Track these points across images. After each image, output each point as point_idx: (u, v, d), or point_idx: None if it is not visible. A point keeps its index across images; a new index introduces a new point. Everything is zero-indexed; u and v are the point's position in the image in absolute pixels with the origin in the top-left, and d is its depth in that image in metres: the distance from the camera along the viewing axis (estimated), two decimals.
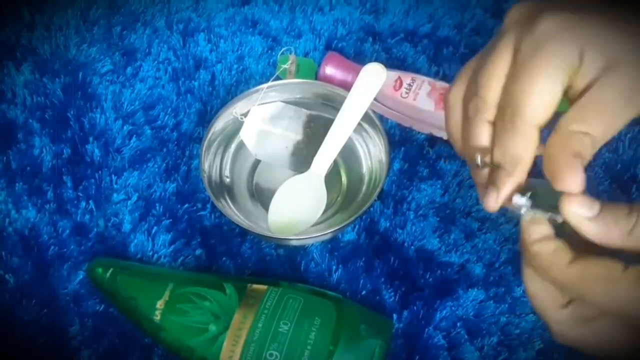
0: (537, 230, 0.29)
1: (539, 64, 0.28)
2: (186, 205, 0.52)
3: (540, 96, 0.29)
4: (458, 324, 0.46)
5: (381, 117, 0.57)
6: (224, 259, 0.50)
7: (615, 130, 0.28)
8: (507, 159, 0.30)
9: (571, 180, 0.28)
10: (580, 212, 0.28)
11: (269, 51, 0.63)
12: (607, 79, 0.28)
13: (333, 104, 0.52)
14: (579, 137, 0.28)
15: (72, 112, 0.57)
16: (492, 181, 0.31)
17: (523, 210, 0.30)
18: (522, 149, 0.30)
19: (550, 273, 0.28)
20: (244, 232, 0.51)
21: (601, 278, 0.26)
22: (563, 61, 0.28)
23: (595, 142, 0.28)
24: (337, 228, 0.45)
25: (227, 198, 0.51)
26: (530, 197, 0.30)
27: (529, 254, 0.29)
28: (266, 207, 0.50)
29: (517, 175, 0.30)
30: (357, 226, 0.51)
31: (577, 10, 0.28)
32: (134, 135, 0.56)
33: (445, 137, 0.55)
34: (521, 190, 0.31)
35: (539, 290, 0.29)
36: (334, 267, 0.49)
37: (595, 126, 0.28)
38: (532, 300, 0.30)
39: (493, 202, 0.31)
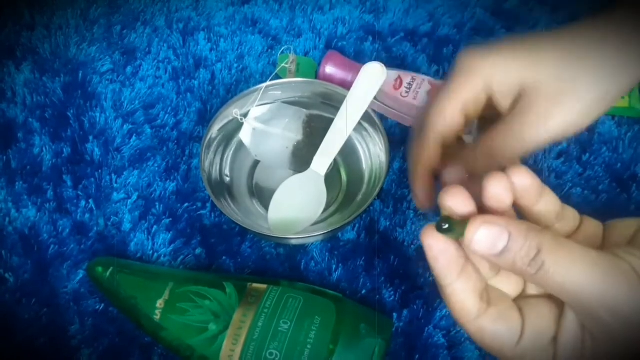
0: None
1: (444, 90, 0.36)
2: (186, 205, 0.52)
3: (441, 114, 0.35)
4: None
5: (381, 116, 0.57)
6: (224, 258, 0.50)
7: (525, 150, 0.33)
8: (412, 161, 0.38)
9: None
10: (485, 243, 0.26)
11: (269, 50, 0.63)
12: (519, 108, 0.33)
13: (333, 103, 0.52)
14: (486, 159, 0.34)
15: (72, 111, 0.57)
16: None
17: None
18: (421, 149, 0.36)
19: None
20: (244, 231, 0.51)
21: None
22: (461, 89, 0.35)
23: (505, 161, 0.33)
24: (337, 227, 0.45)
25: (227, 197, 0.51)
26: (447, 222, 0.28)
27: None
28: (266, 206, 0.50)
29: (418, 172, 0.37)
30: (357, 225, 0.51)
31: (496, 48, 0.34)
32: (134, 135, 0.56)
33: None
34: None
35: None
36: (334, 266, 0.49)
37: (504, 152, 0.33)
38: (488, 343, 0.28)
39: (415, 199, 0.39)
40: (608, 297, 0.24)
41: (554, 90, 0.31)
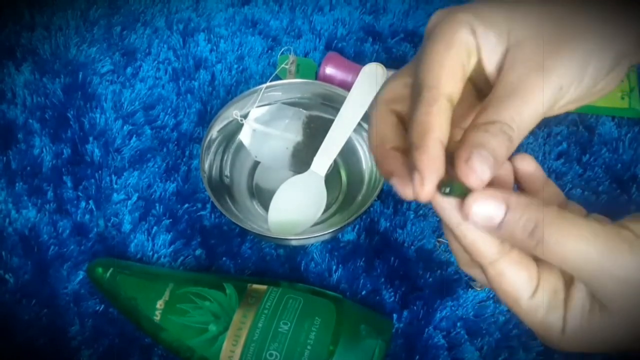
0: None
1: (435, 41, 0.28)
2: (186, 205, 0.52)
3: (442, 66, 0.27)
4: (458, 324, 0.46)
5: None
6: (224, 259, 0.50)
7: (533, 113, 0.26)
8: (417, 132, 0.26)
9: (470, 173, 0.25)
10: (482, 215, 0.25)
11: (269, 51, 0.63)
12: (510, 64, 0.27)
13: (333, 104, 0.52)
14: (486, 127, 0.26)
15: (72, 112, 0.57)
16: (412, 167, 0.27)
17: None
18: (428, 115, 0.26)
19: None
20: (244, 232, 0.51)
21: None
22: (455, 36, 0.27)
23: (509, 130, 0.26)
24: (337, 228, 0.45)
25: (227, 198, 0.51)
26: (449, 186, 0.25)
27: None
28: (266, 207, 0.50)
29: (429, 146, 0.25)
30: (357, 226, 0.51)
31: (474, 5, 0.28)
32: (134, 135, 0.56)
33: None
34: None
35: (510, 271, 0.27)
36: (334, 267, 0.49)
37: (505, 113, 0.26)
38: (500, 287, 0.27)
39: (419, 186, 0.26)
40: (611, 265, 0.24)
41: (538, 55, 0.27)
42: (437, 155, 0.25)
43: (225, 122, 0.52)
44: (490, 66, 0.28)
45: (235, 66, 0.61)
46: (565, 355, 0.45)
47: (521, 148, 0.54)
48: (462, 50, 0.27)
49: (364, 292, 0.48)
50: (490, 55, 0.28)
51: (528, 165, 0.28)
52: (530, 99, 0.26)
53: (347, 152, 0.52)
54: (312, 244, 0.50)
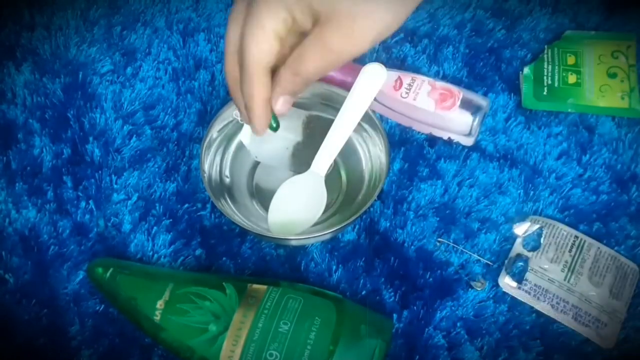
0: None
1: (255, 15, 0.34)
2: (186, 205, 0.52)
3: (259, 42, 0.34)
4: (458, 324, 0.46)
5: (381, 117, 0.57)
6: (224, 258, 0.50)
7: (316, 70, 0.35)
8: (246, 98, 0.37)
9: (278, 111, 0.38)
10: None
11: None
12: (314, 32, 0.34)
13: (333, 104, 0.52)
14: (285, 77, 0.36)
15: (72, 112, 0.57)
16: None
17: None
18: (251, 86, 0.36)
19: None
20: (244, 232, 0.51)
21: None
22: (274, 16, 0.34)
23: (299, 75, 0.36)
24: (337, 228, 0.45)
25: (227, 198, 0.51)
26: None
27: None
28: (266, 207, 0.50)
29: (255, 108, 0.38)
30: (357, 226, 0.51)
31: None
32: (134, 135, 0.56)
33: (445, 137, 0.55)
34: None
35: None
36: (334, 267, 0.49)
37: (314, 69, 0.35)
38: None
39: (255, 129, 0.40)
40: None
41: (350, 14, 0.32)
42: (261, 113, 0.38)
43: (225, 122, 0.52)
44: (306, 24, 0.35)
45: None
46: (565, 356, 0.46)
47: (521, 148, 0.54)
48: (277, 25, 0.34)
49: (364, 292, 0.48)
50: (305, 21, 0.34)
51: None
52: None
53: (347, 152, 0.52)
54: (312, 244, 0.50)
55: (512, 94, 0.58)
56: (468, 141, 0.54)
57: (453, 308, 0.47)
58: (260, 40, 0.34)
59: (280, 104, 0.38)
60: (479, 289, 0.48)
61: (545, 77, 0.57)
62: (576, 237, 0.49)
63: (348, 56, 0.34)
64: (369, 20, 0.32)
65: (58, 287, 0.48)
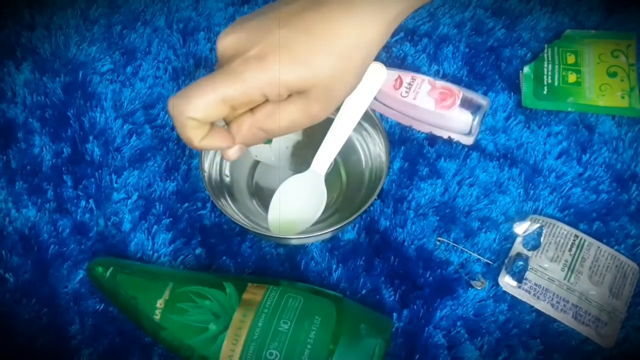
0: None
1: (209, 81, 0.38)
2: (186, 205, 0.52)
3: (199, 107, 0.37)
4: (458, 323, 0.46)
5: (381, 116, 0.57)
6: (224, 258, 0.50)
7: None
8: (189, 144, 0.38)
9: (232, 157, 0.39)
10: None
11: None
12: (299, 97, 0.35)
13: None
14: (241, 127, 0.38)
15: (72, 111, 0.57)
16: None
17: None
18: (191, 141, 0.36)
19: None
20: (243, 231, 0.51)
21: None
22: (229, 87, 0.37)
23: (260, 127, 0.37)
24: (337, 227, 0.45)
25: (227, 197, 0.51)
26: None
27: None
28: (266, 207, 0.50)
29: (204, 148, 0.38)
30: (357, 225, 0.51)
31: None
32: (134, 134, 0.56)
33: (445, 136, 0.55)
34: None
35: None
36: (334, 266, 0.49)
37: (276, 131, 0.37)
38: None
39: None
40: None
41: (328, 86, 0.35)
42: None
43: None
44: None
45: None
46: (565, 356, 0.46)
47: (521, 147, 0.54)
48: (238, 98, 0.36)
49: (364, 291, 0.48)
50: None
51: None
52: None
53: (347, 151, 0.52)
54: (312, 243, 0.50)
55: (512, 93, 0.58)
56: (468, 140, 0.54)
57: (453, 307, 0.47)
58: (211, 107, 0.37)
59: (234, 153, 0.39)
60: (479, 288, 0.48)
61: (545, 76, 0.57)
62: (576, 236, 0.50)
63: (323, 118, 0.36)
64: (346, 88, 0.36)
65: (58, 286, 0.48)
